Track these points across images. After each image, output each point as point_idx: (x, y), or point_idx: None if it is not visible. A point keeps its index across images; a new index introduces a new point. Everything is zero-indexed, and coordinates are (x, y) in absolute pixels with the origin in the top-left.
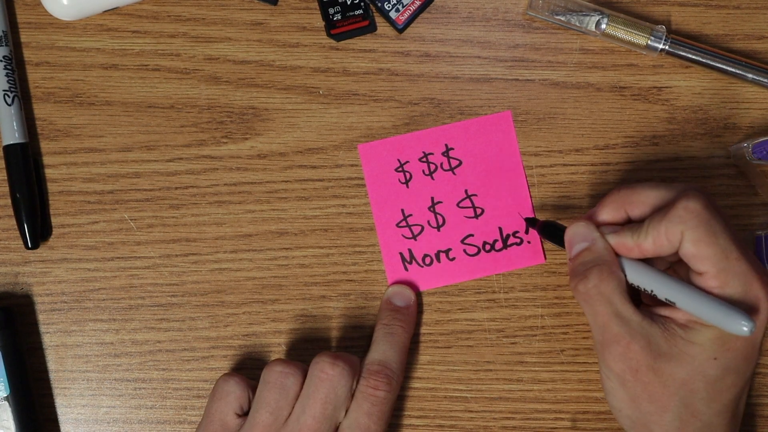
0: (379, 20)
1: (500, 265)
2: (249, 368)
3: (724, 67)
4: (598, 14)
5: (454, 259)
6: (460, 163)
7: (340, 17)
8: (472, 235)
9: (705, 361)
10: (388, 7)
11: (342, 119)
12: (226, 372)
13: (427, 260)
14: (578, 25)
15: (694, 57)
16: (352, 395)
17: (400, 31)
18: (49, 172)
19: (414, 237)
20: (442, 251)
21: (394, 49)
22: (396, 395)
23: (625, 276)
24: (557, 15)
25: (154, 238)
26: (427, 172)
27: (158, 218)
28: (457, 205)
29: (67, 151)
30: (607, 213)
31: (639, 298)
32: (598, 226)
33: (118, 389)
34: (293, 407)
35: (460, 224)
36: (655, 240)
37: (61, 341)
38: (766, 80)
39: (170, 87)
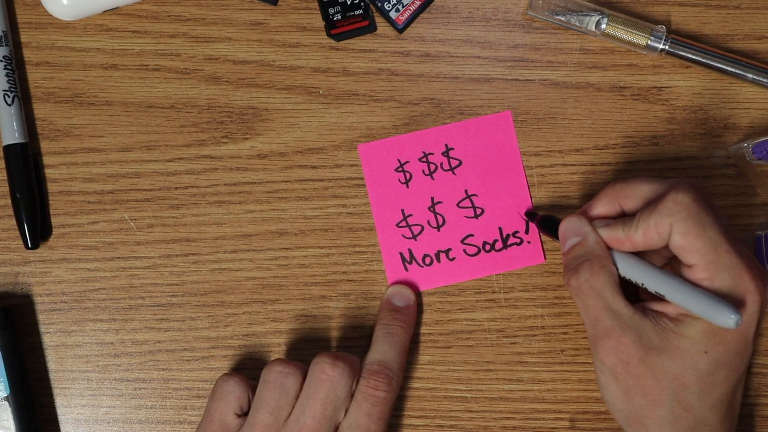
0: (379, 20)
1: (500, 265)
2: (249, 368)
3: (724, 67)
4: (598, 14)
5: (454, 259)
6: (460, 163)
7: (340, 17)
8: (472, 235)
9: (696, 355)
10: (388, 7)
11: (342, 119)
12: (226, 372)
13: (427, 260)
14: (578, 25)
15: (694, 57)
16: (352, 395)
17: (400, 31)
18: (49, 172)
19: (414, 237)
20: (442, 251)
21: (394, 49)
22: (396, 395)
23: (617, 269)
24: (557, 15)
25: (154, 238)
26: (427, 172)
27: (158, 218)
28: (457, 205)
29: (67, 151)
30: (602, 207)
31: (636, 296)
32: (593, 219)
33: (118, 389)
34: (293, 407)
35: (460, 224)
36: (645, 232)
37: (61, 341)
38: (766, 80)
39: (170, 87)
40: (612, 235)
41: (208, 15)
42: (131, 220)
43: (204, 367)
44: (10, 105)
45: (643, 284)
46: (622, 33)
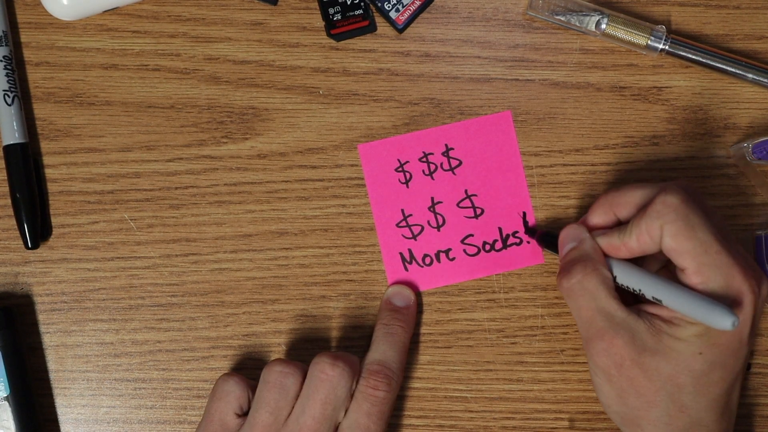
0: (379, 20)
1: (500, 265)
2: (249, 368)
3: (724, 67)
4: (598, 14)
5: (454, 259)
6: (460, 163)
7: (340, 17)
8: (472, 235)
9: (690, 356)
10: (388, 7)
11: (342, 119)
12: (225, 372)
13: (427, 260)
14: (578, 25)
15: (694, 57)
16: (352, 395)
17: (400, 31)
18: (49, 172)
19: (414, 237)
20: (442, 251)
21: (394, 49)
22: (396, 395)
23: (614, 277)
24: (557, 15)
25: (154, 238)
26: (427, 172)
27: (158, 218)
28: (457, 205)
29: (67, 151)
30: (597, 216)
31: (634, 300)
32: (590, 229)
33: (118, 389)
34: (293, 407)
35: (460, 224)
36: (638, 237)
37: (61, 341)
38: (766, 80)
39: (170, 87)
40: (608, 242)
41: (208, 15)
42: (131, 220)
43: (204, 367)
44: (10, 105)
45: (640, 291)
46: (622, 33)
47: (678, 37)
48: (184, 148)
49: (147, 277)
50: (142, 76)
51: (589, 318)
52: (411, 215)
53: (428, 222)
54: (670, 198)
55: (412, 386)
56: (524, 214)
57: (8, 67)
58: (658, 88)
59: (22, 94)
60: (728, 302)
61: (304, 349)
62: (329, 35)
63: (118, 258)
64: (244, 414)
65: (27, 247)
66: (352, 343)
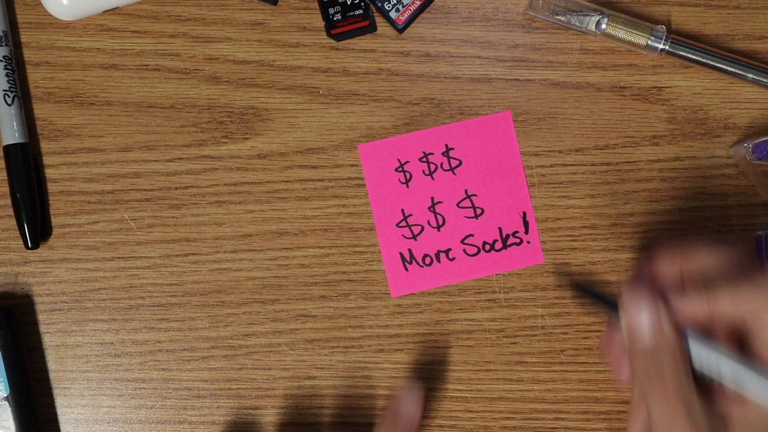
0: (379, 20)
1: (500, 265)
2: (249, 368)
3: (724, 67)
4: (598, 14)
5: (454, 259)
6: (460, 163)
7: (340, 17)
8: (472, 235)
9: None
10: (388, 7)
11: (342, 119)
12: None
13: (427, 260)
14: (578, 25)
15: (694, 57)
16: None
17: (400, 31)
18: (49, 172)
19: (414, 237)
20: (442, 251)
21: (394, 49)
22: None
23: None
24: (557, 15)
25: (154, 238)
26: (427, 172)
27: (158, 218)
28: (457, 205)
29: (67, 151)
30: (662, 268)
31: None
32: (654, 284)
33: (118, 389)
34: None
35: (460, 224)
36: (734, 302)
37: (61, 341)
38: (766, 80)
39: (170, 87)
40: (688, 304)
41: (208, 15)
42: (131, 220)
43: (204, 367)
44: (10, 105)
45: (720, 376)
46: (622, 33)
47: (678, 37)
48: (184, 148)
49: (147, 277)
50: (142, 76)
51: (670, 412)
52: (411, 215)
53: (428, 222)
54: None
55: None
56: (524, 213)
57: (8, 67)
58: (658, 88)
59: (22, 94)
60: None
61: (304, 349)
62: (329, 35)
63: (118, 258)
64: None
65: (27, 247)
66: (353, 343)
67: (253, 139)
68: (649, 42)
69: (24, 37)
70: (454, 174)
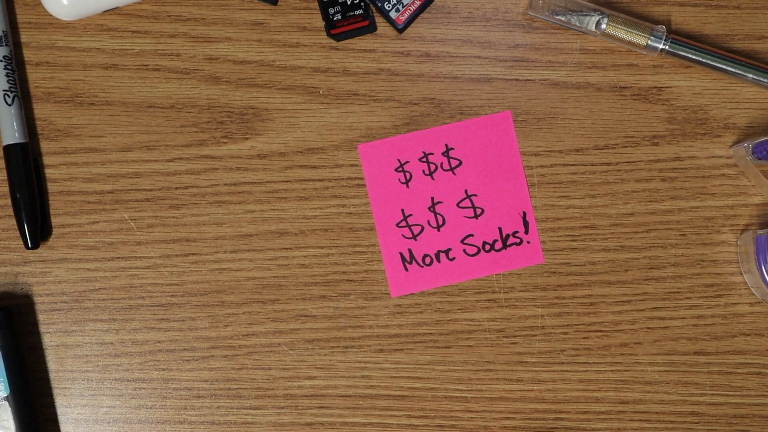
0: (379, 20)
1: (500, 265)
2: (249, 368)
3: (724, 67)
4: (598, 14)
5: (454, 259)
6: (460, 163)
7: (340, 17)
8: (472, 235)
9: None
10: (388, 7)
11: (342, 119)
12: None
13: (427, 260)
14: (578, 25)
15: (694, 57)
16: None
17: (400, 31)
18: (49, 172)
19: (414, 237)
20: (442, 251)
21: (394, 49)
22: None
23: None
24: (557, 15)
25: (154, 238)
26: (427, 172)
27: (158, 218)
28: (457, 205)
29: (67, 151)
30: None
31: None
32: None
33: (118, 389)
34: None
35: (460, 224)
36: None
37: (61, 341)
38: (766, 80)
39: (170, 87)
40: None
41: (208, 15)
42: (131, 220)
43: (204, 367)
44: (10, 105)
45: None
46: (622, 33)
47: (678, 37)
48: (184, 148)
49: (147, 277)
50: (142, 76)
51: None
52: (411, 215)
53: (428, 222)
54: None
55: (412, 386)
56: (524, 213)
57: (8, 67)
58: (658, 88)
59: (22, 94)
60: None
61: (304, 349)
62: (329, 35)
63: (118, 258)
64: None
65: (27, 247)
66: (353, 343)
67: (253, 139)
68: (649, 42)
69: (24, 37)
70: (454, 174)
